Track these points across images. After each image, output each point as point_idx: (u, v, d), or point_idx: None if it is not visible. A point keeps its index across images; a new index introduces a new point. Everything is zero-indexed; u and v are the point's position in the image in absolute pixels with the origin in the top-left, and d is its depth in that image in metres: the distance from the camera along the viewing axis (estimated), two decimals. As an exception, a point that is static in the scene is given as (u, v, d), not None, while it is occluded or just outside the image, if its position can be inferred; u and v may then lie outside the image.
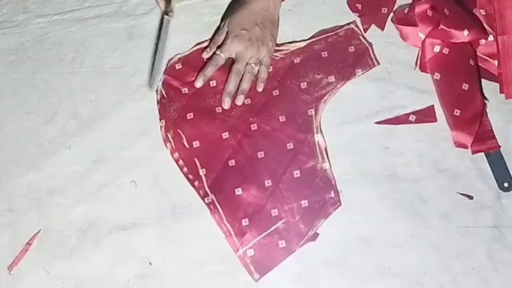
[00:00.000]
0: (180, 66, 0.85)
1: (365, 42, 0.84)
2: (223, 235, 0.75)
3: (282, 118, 0.80)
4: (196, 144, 0.80)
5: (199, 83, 0.82)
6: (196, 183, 0.78)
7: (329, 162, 0.78)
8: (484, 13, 0.83)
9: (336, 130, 0.79)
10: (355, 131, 0.79)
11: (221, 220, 0.76)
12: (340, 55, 0.84)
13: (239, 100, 0.81)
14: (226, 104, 0.81)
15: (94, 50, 0.87)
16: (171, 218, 0.77)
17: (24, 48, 0.89)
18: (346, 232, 0.75)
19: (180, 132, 0.81)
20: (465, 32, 0.80)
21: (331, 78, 0.82)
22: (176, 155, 0.80)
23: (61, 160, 0.81)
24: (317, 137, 0.79)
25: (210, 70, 0.83)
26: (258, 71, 0.82)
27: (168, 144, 0.80)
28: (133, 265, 0.75)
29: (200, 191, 0.78)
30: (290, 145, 0.79)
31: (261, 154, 0.79)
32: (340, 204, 0.76)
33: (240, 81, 0.82)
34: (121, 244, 0.76)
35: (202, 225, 0.76)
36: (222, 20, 0.87)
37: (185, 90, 0.83)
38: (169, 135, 0.81)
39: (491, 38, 0.82)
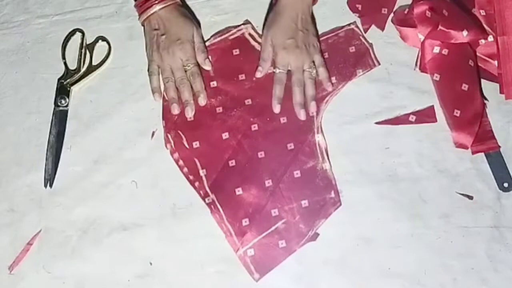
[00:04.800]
0: None
1: (365, 42, 0.84)
2: (223, 235, 0.75)
3: (283, 119, 0.80)
4: (196, 144, 0.80)
5: (277, 109, 0.81)
6: (196, 183, 0.78)
7: (330, 162, 0.78)
8: (484, 14, 0.83)
9: (336, 130, 0.80)
10: (355, 131, 0.79)
11: (221, 220, 0.76)
12: (341, 55, 0.84)
13: (312, 107, 0.80)
14: (302, 116, 0.80)
15: (94, 50, 0.87)
16: (172, 218, 0.77)
17: (25, 49, 0.89)
18: (346, 232, 0.75)
19: (180, 133, 0.81)
20: (464, 33, 0.80)
21: (332, 79, 0.82)
22: (176, 155, 0.80)
23: (62, 160, 0.81)
24: (318, 137, 0.79)
25: (279, 90, 0.81)
26: (317, 73, 0.82)
27: (168, 145, 0.80)
28: (133, 265, 0.75)
29: (201, 192, 0.78)
30: (290, 145, 0.79)
31: (261, 154, 0.79)
32: (340, 204, 0.76)
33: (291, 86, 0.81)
34: (121, 244, 0.76)
35: (202, 225, 0.76)
36: (260, 36, 0.85)
37: None
38: (169, 136, 0.81)
39: (491, 38, 0.82)
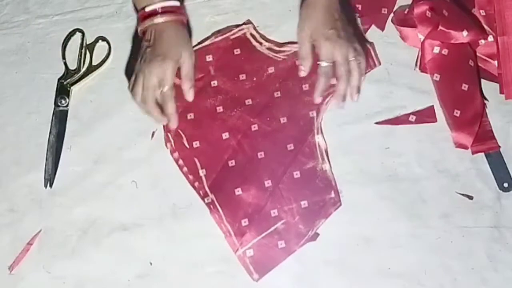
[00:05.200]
0: None
1: (366, 42, 0.84)
2: (223, 235, 0.75)
3: (283, 120, 0.80)
4: (196, 144, 0.80)
5: (318, 101, 0.80)
6: (196, 183, 0.78)
7: (329, 163, 0.78)
8: (484, 14, 0.83)
9: (337, 131, 0.80)
10: (355, 131, 0.79)
11: (221, 220, 0.76)
12: None
13: (355, 97, 0.79)
14: (342, 106, 0.79)
15: (94, 50, 0.87)
16: (172, 218, 0.77)
17: (25, 49, 0.89)
18: (346, 232, 0.75)
19: (181, 132, 0.81)
20: (465, 33, 0.80)
21: (333, 80, 0.82)
22: (176, 155, 0.80)
23: (62, 160, 0.81)
24: (318, 138, 0.79)
25: (324, 84, 0.79)
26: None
27: (168, 144, 0.80)
28: (133, 265, 0.75)
29: (200, 191, 0.78)
30: (290, 146, 0.79)
31: (261, 155, 0.79)
32: (341, 204, 0.76)
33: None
34: (121, 244, 0.76)
35: (202, 225, 0.76)
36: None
37: None
38: (169, 135, 0.81)
39: (490, 38, 0.82)
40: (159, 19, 0.79)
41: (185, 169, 0.79)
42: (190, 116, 0.82)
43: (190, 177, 0.79)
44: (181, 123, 0.81)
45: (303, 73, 0.81)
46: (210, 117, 0.81)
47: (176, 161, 0.80)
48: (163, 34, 0.79)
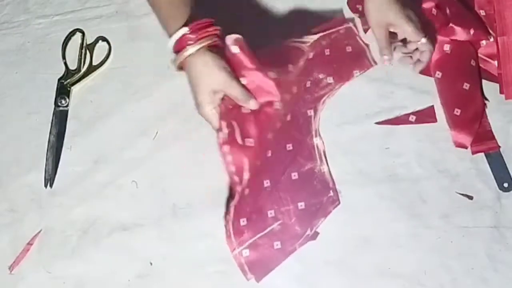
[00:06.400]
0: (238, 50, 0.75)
1: (361, 42, 0.84)
2: (223, 235, 0.75)
3: (288, 117, 0.80)
4: (250, 142, 0.74)
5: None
6: (238, 187, 0.74)
7: (328, 165, 0.78)
8: (483, 14, 0.83)
9: (336, 130, 0.80)
10: (355, 131, 0.79)
11: (228, 221, 0.75)
12: (339, 54, 0.83)
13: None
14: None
15: (94, 50, 0.87)
16: (172, 218, 0.77)
17: (25, 49, 0.89)
18: (346, 232, 0.75)
19: (235, 124, 0.75)
20: (471, 31, 0.80)
21: (330, 79, 0.82)
22: (227, 148, 0.74)
23: (62, 160, 0.81)
24: (316, 140, 0.79)
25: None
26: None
27: (220, 134, 0.74)
28: (133, 265, 0.75)
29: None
30: (289, 146, 0.79)
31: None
32: (339, 203, 0.76)
33: None
34: (122, 244, 0.76)
35: (202, 225, 0.76)
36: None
37: None
38: (223, 123, 0.74)
39: (491, 38, 0.82)
40: (193, 49, 0.71)
41: (232, 168, 0.74)
42: (246, 109, 0.76)
43: (235, 178, 0.74)
44: (237, 114, 0.75)
45: (387, 62, 0.80)
46: None
47: (224, 155, 0.74)
48: (190, 74, 0.74)
